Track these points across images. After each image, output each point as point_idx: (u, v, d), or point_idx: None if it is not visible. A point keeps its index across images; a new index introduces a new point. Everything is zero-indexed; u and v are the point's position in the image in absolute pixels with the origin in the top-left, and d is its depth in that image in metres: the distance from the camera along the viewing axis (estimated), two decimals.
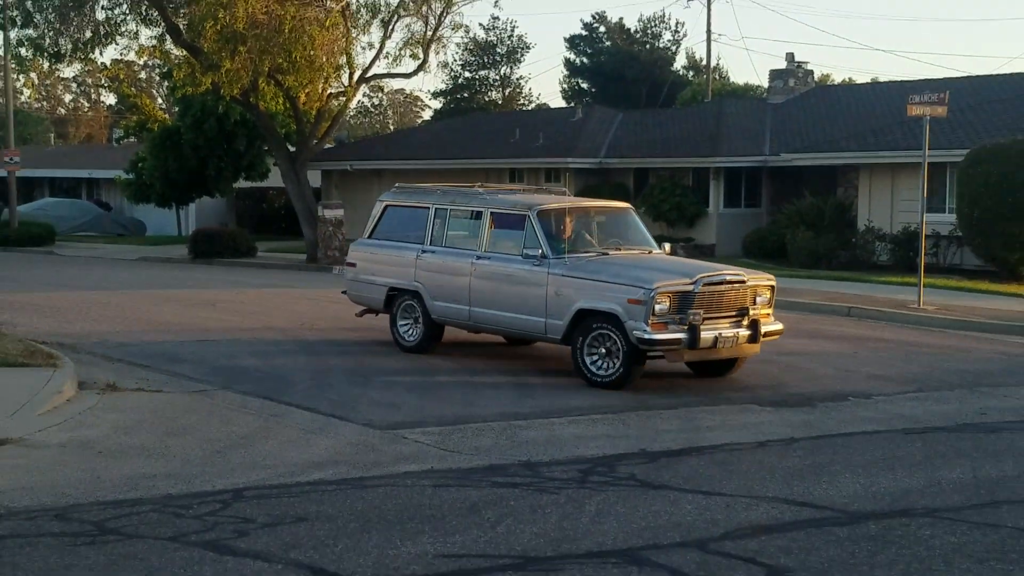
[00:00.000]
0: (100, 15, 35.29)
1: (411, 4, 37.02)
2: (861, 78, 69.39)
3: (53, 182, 60.81)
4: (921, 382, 15.16)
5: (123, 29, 35.85)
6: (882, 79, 53.43)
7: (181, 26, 34.78)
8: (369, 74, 39.23)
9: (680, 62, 69.24)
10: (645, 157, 39.80)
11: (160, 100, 53.60)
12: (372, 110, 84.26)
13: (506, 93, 67.77)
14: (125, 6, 35.41)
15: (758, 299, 14.28)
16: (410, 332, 15.96)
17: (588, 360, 13.85)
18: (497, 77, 68.41)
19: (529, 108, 64.48)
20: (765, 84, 48.02)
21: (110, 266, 35.04)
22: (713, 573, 7.07)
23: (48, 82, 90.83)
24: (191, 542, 7.52)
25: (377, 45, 38.04)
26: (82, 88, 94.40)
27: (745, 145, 38.30)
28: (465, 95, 66.99)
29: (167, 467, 9.73)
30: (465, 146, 45.25)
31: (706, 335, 13.36)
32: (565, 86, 69.44)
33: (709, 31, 59.53)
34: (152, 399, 12.81)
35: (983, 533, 7.95)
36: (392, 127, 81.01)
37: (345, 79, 38.73)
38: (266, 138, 40.07)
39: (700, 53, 69.05)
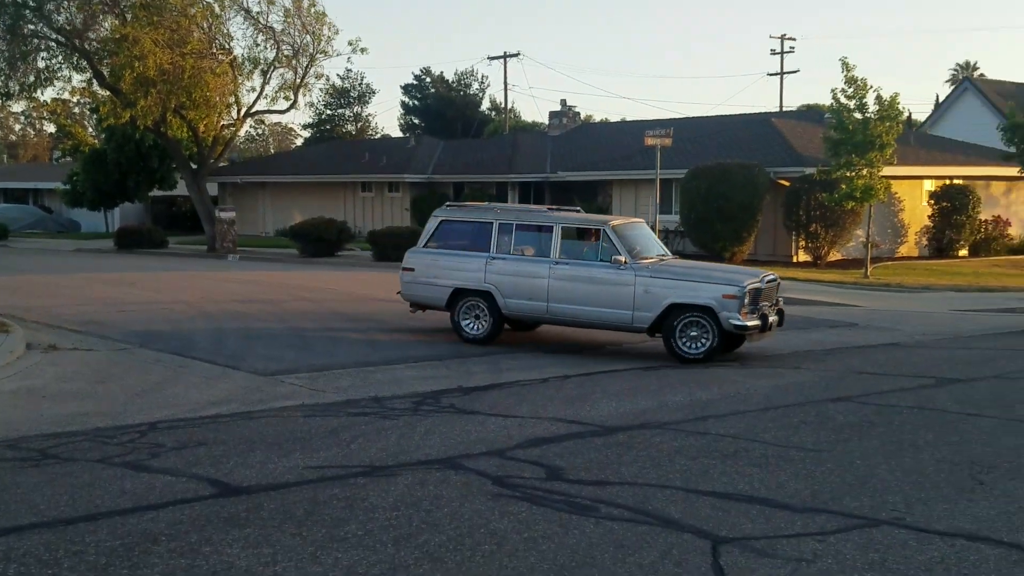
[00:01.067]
0: (41, 64, 34.91)
1: (284, 58, 36.76)
2: (614, 118, 70.59)
3: (6, 192, 57.93)
4: None
5: (59, 75, 35.54)
6: (628, 119, 54.51)
7: (105, 72, 34.40)
8: (253, 110, 38.75)
9: (485, 104, 69.30)
10: (461, 174, 39.89)
11: (90, 129, 51.42)
12: (257, 137, 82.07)
13: (358, 126, 66.74)
14: (60, 57, 35.09)
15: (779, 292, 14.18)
16: (472, 326, 14.28)
17: (680, 342, 13.15)
18: (351, 114, 67.39)
19: (376, 137, 63.75)
20: (546, 121, 48.50)
21: (52, 255, 33.53)
22: (508, 472, 7.13)
23: (1, 115, 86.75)
24: (115, 463, 7.24)
25: (258, 89, 37.86)
26: (28, 119, 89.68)
27: (533, 166, 38.73)
28: (328, 127, 65.79)
29: (97, 407, 9.34)
30: (328, 165, 44.67)
31: (770, 320, 13.22)
32: (402, 121, 68.81)
33: (505, 82, 60.04)
34: (85, 356, 12.27)
35: (695, 439, 8.18)
36: (272, 151, 79.22)
37: (234, 114, 38.37)
38: (174, 158, 39.46)
39: (499, 98, 69.58)
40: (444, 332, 14.62)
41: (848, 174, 25.99)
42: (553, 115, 45.36)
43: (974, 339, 15.41)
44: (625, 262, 13.52)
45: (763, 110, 48.67)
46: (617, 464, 7.35)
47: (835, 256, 29.68)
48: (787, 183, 29.52)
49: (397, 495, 6.50)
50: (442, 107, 64.68)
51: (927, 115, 53.95)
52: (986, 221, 32.91)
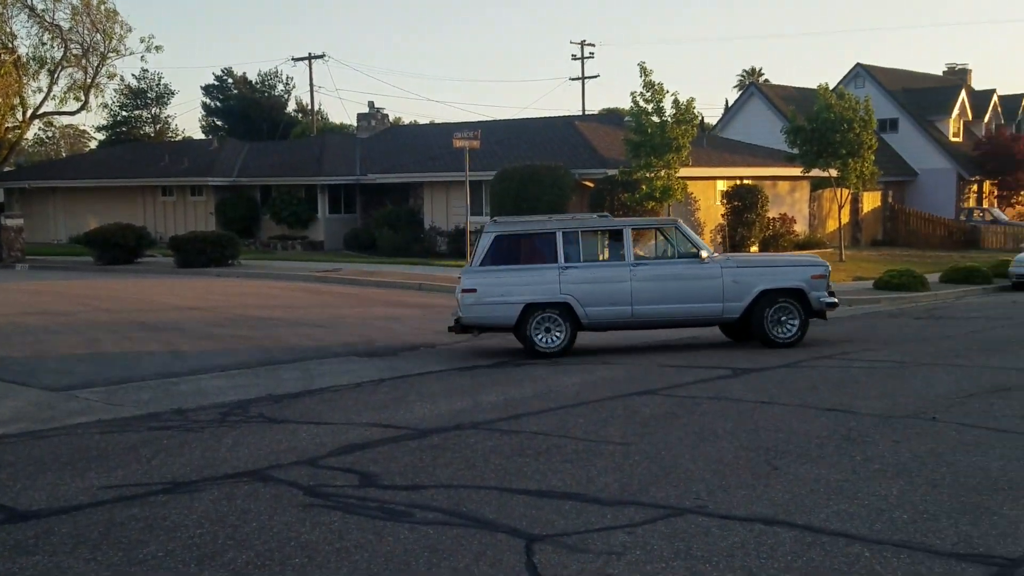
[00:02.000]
0: None
1: (73, 57, 34.84)
2: (423, 120, 70.66)
3: None
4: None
5: None
6: (437, 121, 54.67)
7: None
8: (40, 112, 36.49)
9: (291, 106, 67.84)
10: (269, 176, 38.81)
11: None
12: (46, 140, 77.33)
13: (157, 128, 63.93)
14: None
15: None
16: (545, 340, 13.48)
17: (771, 329, 13.58)
18: (149, 115, 64.47)
19: (176, 139, 61.26)
20: (355, 123, 47.95)
21: None
22: (320, 481, 6.95)
23: None
24: None
25: (46, 89, 35.64)
26: None
27: (342, 168, 38.15)
28: (124, 129, 62.62)
29: None
30: (125, 169, 42.51)
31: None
32: (204, 123, 66.37)
33: (312, 84, 58.99)
34: None
35: (510, 438, 8.21)
36: (64, 154, 74.85)
37: (20, 116, 35.92)
38: None
39: (306, 100, 68.29)
40: (250, 339, 14.17)
41: (648, 175, 26.92)
42: (362, 117, 44.89)
43: None
44: (706, 256, 13.80)
45: (567, 113, 49.75)
46: (432, 467, 7.29)
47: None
48: (592, 184, 30.27)
49: (202, 512, 6.21)
50: (246, 108, 62.89)
51: (718, 119, 56.66)
52: (774, 219, 34.75)
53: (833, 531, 5.61)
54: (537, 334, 13.47)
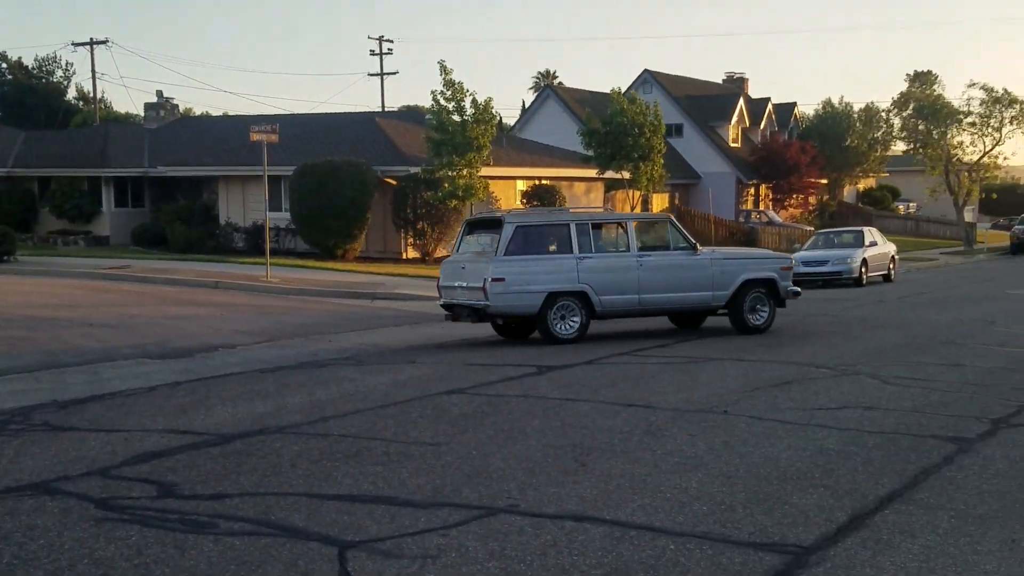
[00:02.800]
0: None
1: None
2: (216, 112, 68.23)
3: None
4: (271, 334, 15.18)
5: None
6: (231, 113, 52.95)
7: None
8: None
9: (72, 93, 64.16)
10: (48, 167, 36.48)
11: None
12: None
13: None
14: None
15: None
16: (562, 327, 14.04)
17: (749, 316, 14.96)
18: None
19: None
20: (142, 113, 45.77)
21: None
22: (114, 493, 6.54)
23: None
24: None
25: None
26: None
27: (129, 159, 36.38)
28: None
29: None
30: None
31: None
32: None
33: (93, 70, 55.66)
34: None
35: (317, 441, 8.02)
36: None
37: None
38: None
39: (88, 87, 64.60)
40: (31, 341, 13.24)
41: (450, 173, 27.06)
42: (149, 107, 42.91)
43: None
44: (694, 247, 15.01)
45: (367, 109, 49.29)
46: (236, 474, 7.00)
47: (442, 252, 30.70)
48: (394, 182, 30.12)
49: None
50: (21, 95, 58.95)
51: (516, 119, 57.65)
52: None
53: (639, 525, 5.76)
54: (555, 322, 14.08)
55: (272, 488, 6.64)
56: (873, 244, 28.02)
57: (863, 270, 26.65)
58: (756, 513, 5.96)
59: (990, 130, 48.84)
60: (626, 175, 33.52)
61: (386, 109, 55.18)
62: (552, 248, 14.39)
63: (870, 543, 5.42)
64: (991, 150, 49.10)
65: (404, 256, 30.34)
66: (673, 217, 15.85)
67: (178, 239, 31.56)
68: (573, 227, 14.37)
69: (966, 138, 49.61)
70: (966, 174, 49.84)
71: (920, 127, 51.04)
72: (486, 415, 8.94)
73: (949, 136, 49.44)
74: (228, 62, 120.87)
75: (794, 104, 61.93)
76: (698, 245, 15.08)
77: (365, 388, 10.52)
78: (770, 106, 58.79)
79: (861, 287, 26.21)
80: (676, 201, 45.84)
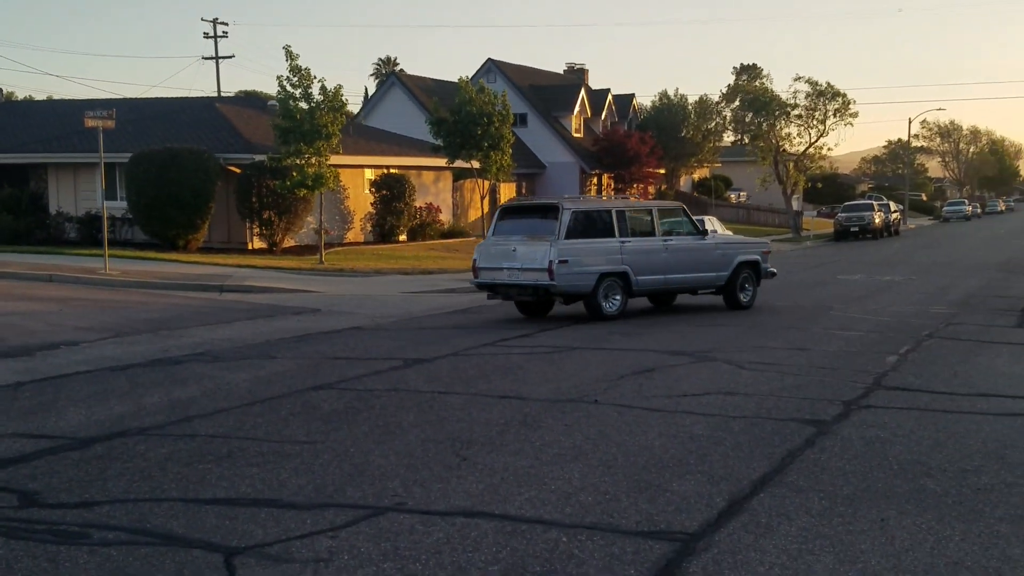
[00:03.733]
0: None
1: None
2: (40, 96, 64.65)
3: None
4: (117, 329, 14.51)
5: None
6: (57, 97, 50.31)
7: None
8: None
9: None
10: None
11: None
12: None
13: None
14: None
15: None
16: (608, 305, 15.63)
17: (739, 293, 17.14)
18: None
19: None
20: None
21: None
22: None
23: None
24: None
25: None
26: None
27: None
28: None
29: None
30: None
31: None
32: None
33: None
34: None
35: (185, 443, 7.72)
36: None
37: None
38: None
39: None
40: None
41: (299, 162, 26.46)
42: None
43: (426, 319, 16.51)
44: (702, 232, 17.05)
45: (202, 94, 47.68)
46: (102, 480, 6.67)
47: (289, 243, 30.10)
48: (238, 170, 29.26)
49: None
50: None
51: (359, 107, 56.95)
52: (421, 208, 35.53)
53: (530, 518, 5.80)
54: (603, 300, 15.55)
55: (144, 494, 6.36)
56: (713, 232, 28.98)
57: None
58: (640, 501, 6.10)
59: (815, 122, 51.41)
60: (476, 164, 33.63)
61: (222, 94, 53.56)
62: (598, 233, 15.76)
63: (751, 527, 5.63)
64: (816, 141, 51.73)
65: (250, 246, 29.54)
66: (684, 208, 17.68)
67: (4, 230, 29.73)
68: (614, 213, 15.92)
69: (793, 130, 52.07)
70: (793, 164, 52.30)
71: (748, 119, 53.23)
72: (359, 411, 8.81)
73: (778, 128, 51.75)
74: (53, 43, 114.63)
75: (632, 96, 63.51)
76: (704, 230, 17.26)
77: (227, 385, 10.19)
78: (610, 97, 60.14)
79: None
80: (523, 190, 46.31)
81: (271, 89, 27.42)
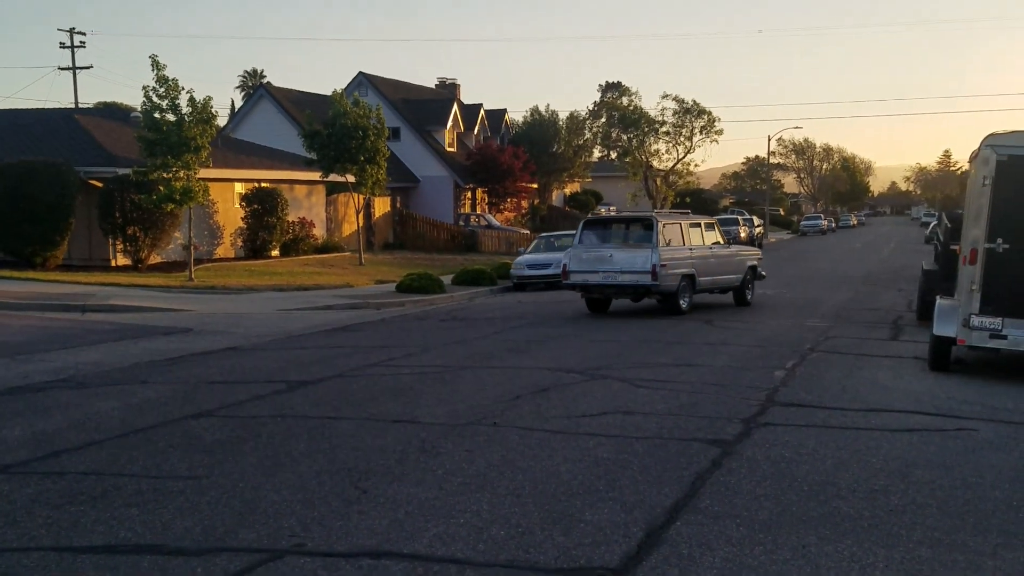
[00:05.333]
0: None
1: None
2: None
3: None
4: None
5: None
6: None
7: None
8: None
9: None
10: None
11: None
12: None
13: None
14: None
15: None
16: (683, 302, 18.75)
17: (746, 292, 20.94)
18: None
19: None
20: None
21: None
22: None
23: None
24: None
25: None
26: None
27: None
28: None
29: None
30: None
31: None
32: None
33: None
34: None
35: (53, 481, 7.04)
36: None
37: None
38: None
39: None
40: None
41: (166, 176, 25.34)
42: None
43: (306, 338, 15.90)
44: (729, 243, 21.18)
45: (59, 105, 45.43)
46: None
47: (156, 259, 28.81)
48: (100, 184, 27.84)
49: None
50: None
51: (226, 120, 55.35)
52: (294, 222, 34.61)
53: (441, 558, 5.41)
54: (681, 298, 18.65)
55: (9, 542, 5.71)
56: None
57: None
58: (555, 534, 5.79)
59: (682, 139, 52.58)
60: (351, 178, 32.95)
61: (80, 105, 51.21)
62: (676, 240, 18.78)
63: (674, 560, 5.38)
64: (684, 157, 52.88)
65: (114, 263, 28.13)
66: (716, 220, 21.92)
67: None
68: (683, 226, 19.21)
69: (662, 146, 53.10)
70: (662, 180, 53.32)
71: (614, 135, 53.98)
72: (244, 440, 8.24)
73: (647, 144, 52.70)
74: None
75: (504, 111, 63.63)
76: (729, 241, 21.32)
77: (96, 415, 9.43)
78: (482, 112, 60.07)
79: None
80: (398, 204, 45.73)
81: (132, 101, 26.46)
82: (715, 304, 21.37)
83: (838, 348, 14.17)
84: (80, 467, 7.44)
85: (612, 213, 71.46)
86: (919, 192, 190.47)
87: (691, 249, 19.02)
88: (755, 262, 21.46)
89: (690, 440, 8.12)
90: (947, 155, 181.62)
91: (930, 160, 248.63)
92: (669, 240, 18.53)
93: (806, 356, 13.25)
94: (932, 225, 63.53)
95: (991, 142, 11.39)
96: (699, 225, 19.95)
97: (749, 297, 21.08)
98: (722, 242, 20.51)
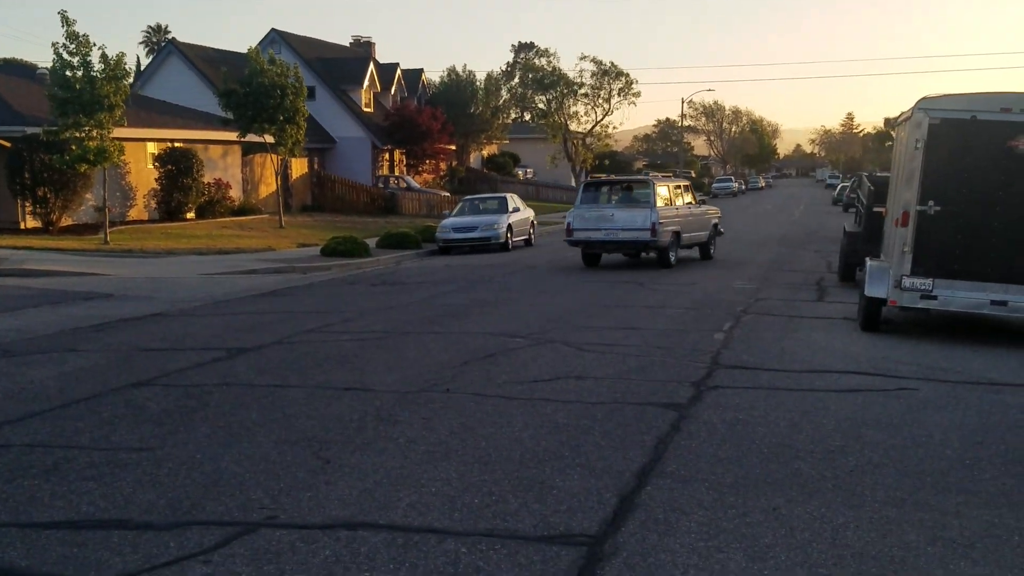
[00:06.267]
0: None
1: None
2: None
3: None
4: None
5: None
6: None
7: None
8: None
9: None
10: None
11: None
12: None
13: None
14: None
15: None
16: (672, 256, 21.00)
17: (711, 248, 23.31)
18: None
19: None
20: None
21: None
22: None
23: None
24: None
25: None
26: None
27: None
28: None
29: None
30: None
31: None
32: None
33: None
34: None
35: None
36: None
37: None
38: None
39: None
40: None
41: (78, 135, 24.43)
42: None
43: (234, 303, 15.57)
44: (701, 202, 23.89)
45: None
46: None
47: (67, 221, 27.85)
48: (8, 144, 26.71)
49: None
50: None
51: (132, 78, 53.58)
52: (209, 184, 33.78)
53: (419, 527, 5.36)
54: (671, 252, 20.95)
55: None
56: (516, 210, 29.15)
57: (509, 235, 27.62)
58: (530, 502, 5.77)
59: (601, 101, 52.70)
60: (269, 139, 32.26)
61: None
62: (664, 202, 20.85)
63: (651, 525, 5.42)
64: (602, 120, 53.04)
65: (23, 226, 27.11)
66: (688, 183, 23.74)
67: None
68: (671, 188, 21.58)
69: (581, 108, 53.15)
70: (580, 142, 53.45)
71: (528, 95, 53.72)
72: (193, 410, 8.03)
73: (566, 106, 52.70)
74: None
75: (421, 71, 62.87)
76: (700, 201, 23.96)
77: (31, 384, 9.10)
78: (399, 72, 59.29)
79: (508, 252, 27.17)
80: (315, 166, 44.96)
81: (33, 57, 25.41)
82: (641, 265, 21.58)
83: (769, 310, 14.43)
84: (24, 439, 7.17)
85: (530, 176, 71.59)
86: (823, 154, 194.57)
87: (676, 208, 21.29)
88: (717, 220, 23.95)
89: (645, 404, 8.18)
90: (850, 118, 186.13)
91: (834, 123, 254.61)
92: (662, 201, 20.71)
93: (740, 318, 13.47)
94: (840, 187, 65.06)
95: (924, 105, 11.63)
96: (680, 187, 22.34)
97: (712, 252, 23.47)
98: (694, 203, 22.77)
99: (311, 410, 7.99)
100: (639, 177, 22.85)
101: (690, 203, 22.50)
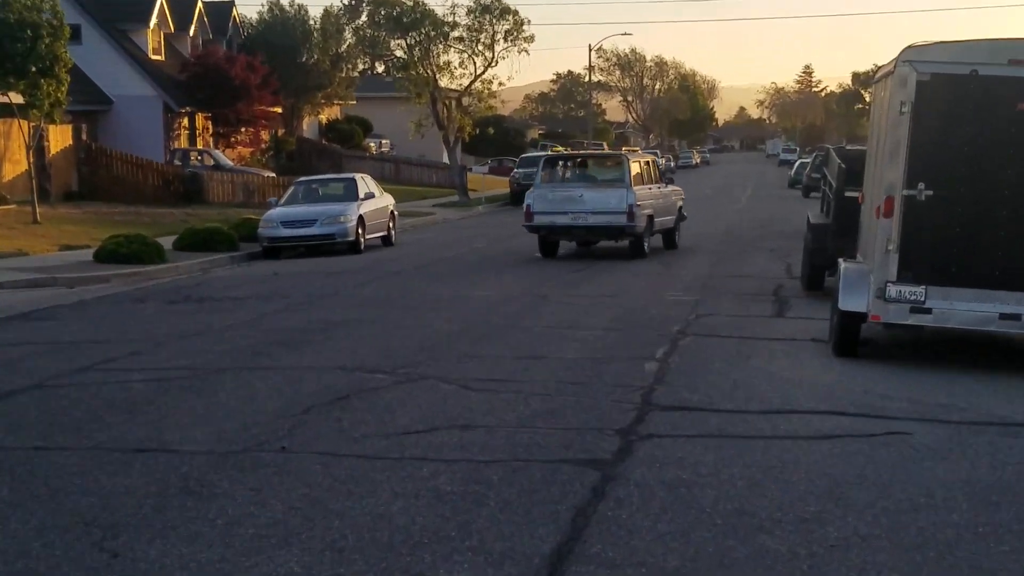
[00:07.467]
0: None
1: None
2: None
3: None
4: None
5: None
6: None
7: None
8: None
9: None
10: None
11: None
12: None
13: None
14: None
15: None
16: (645, 245, 23.84)
17: (676, 235, 26.42)
18: None
19: None
20: None
21: None
22: None
23: None
24: None
25: None
26: None
27: None
28: None
29: None
30: None
31: None
32: None
33: None
34: None
35: None
36: None
37: None
38: None
39: None
40: None
41: None
42: None
43: None
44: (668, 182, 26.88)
45: None
46: None
47: None
48: None
49: None
50: None
51: None
52: None
53: None
54: (646, 239, 23.98)
55: None
56: (370, 196, 29.08)
57: (360, 232, 27.47)
58: None
59: (481, 48, 52.93)
60: (16, 98, 31.43)
61: None
62: (641, 181, 23.62)
63: None
64: (483, 73, 53.31)
65: None
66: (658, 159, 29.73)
67: None
68: (643, 164, 24.80)
69: (454, 57, 53.31)
70: (456, 103, 53.60)
71: (382, 39, 53.56)
72: None
73: (434, 54, 52.79)
74: None
75: (232, 3, 62.21)
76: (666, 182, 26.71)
77: None
78: (200, 5, 58.46)
79: (359, 254, 27.06)
80: (84, 136, 43.98)
81: None
82: (552, 277, 21.77)
83: (715, 330, 14.73)
84: None
85: (386, 149, 71.63)
86: (775, 120, 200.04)
87: (650, 188, 24.12)
88: (681, 203, 26.90)
89: (557, 462, 8.23)
90: (808, 72, 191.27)
91: (788, 79, 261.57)
92: (635, 179, 23.19)
93: (677, 341, 13.71)
94: (799, 163, 66.96)
95: (910, 57, 11.91)
96: (649, 164, 25.27)
97: (677, 239, 26.45)
98: (660, 183, 25.67)
99: (89, 482, 7.80)
100: (610, 152, 25.48)
101: (657, 183, 25.16)
